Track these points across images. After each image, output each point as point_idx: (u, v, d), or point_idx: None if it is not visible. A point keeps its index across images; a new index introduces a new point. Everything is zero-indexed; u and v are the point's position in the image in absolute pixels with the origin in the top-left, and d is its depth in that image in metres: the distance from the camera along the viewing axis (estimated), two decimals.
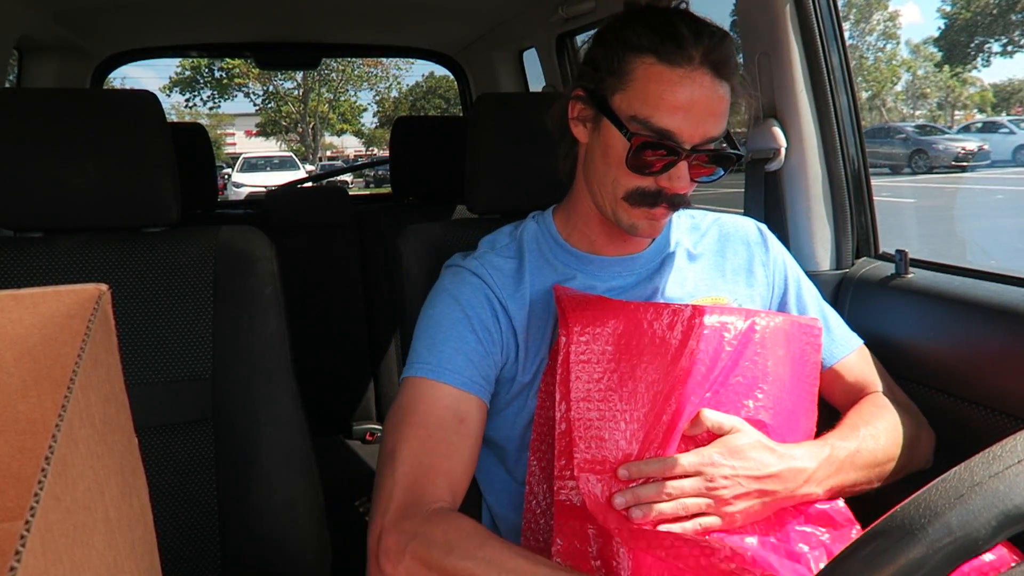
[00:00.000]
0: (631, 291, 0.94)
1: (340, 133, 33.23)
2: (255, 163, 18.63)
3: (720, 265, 0.99)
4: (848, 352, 0.99)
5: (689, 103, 0.80)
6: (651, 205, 0.85)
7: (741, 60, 1.25)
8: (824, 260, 1.25)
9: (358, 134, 34.47)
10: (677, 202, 0.86)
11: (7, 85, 1.78)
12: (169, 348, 1.01)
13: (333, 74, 29.16)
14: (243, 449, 1.00)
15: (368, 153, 33.74)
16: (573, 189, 0.97)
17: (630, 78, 0.83)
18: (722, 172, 0.86)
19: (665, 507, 0.76)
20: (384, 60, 25.25)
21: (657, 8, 0.85)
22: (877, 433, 0.88)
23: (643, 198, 0.85)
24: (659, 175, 0.84)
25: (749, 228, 1.03)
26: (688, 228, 1.02)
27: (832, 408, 0.99)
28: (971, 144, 15.09)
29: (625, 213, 0.87)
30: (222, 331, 1.02)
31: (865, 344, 1.01)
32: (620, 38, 0.84)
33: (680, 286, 0.95)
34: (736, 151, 0.87)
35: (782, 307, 1.01)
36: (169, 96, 28.21)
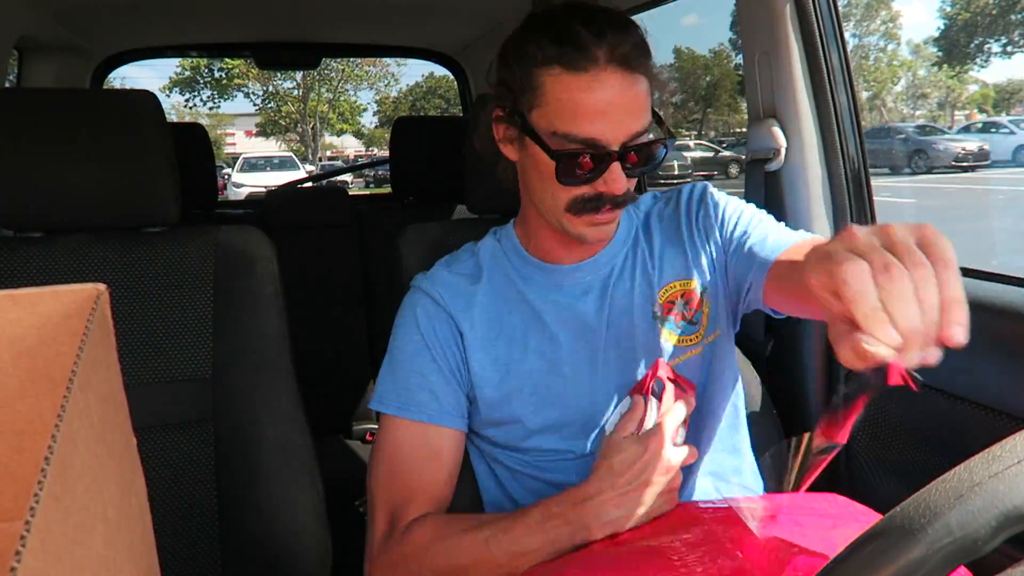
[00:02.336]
0: (599, 291, 0.93)
1: (340, 133, 33.24)
2: (255, 163, 18.63)
3: (679, 246, 0.95)
4: (792, 243, 0.88)
5: (605, 106, 0.78)
6: (594, 211, 0.84)
7: (741, 60, 1.25)
8: None
9: (358, 134, 34.48)
10: (620, 201, 0.84)
11: (7, 85, 1.78)
12: (169, 348, 1.01)
13: (333, 74, 29.17)
14: (243, 449, 1.00)
15: (368, 153, 33.73)
16: (521, 205, 0.96)
17: (541, 92, 0.80)
18: (661, 156, 0.84)
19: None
20: (384, 59, 25.25)
21: (553, 12, 0.82)
22: None
23: (585, 205, 0.83)
24: (594, 181, 0.82)
25: (691, 197, 0.98)
26: (642, 216, 0.99)
27: None
28: (971, 144, 15.09)
29: (571, 223, 0.86)
30: (222, 331, 1.02)
31: None
32: (524, 54, 0.81)
33: (645, 277, 0.93)
34: (666, 136, 0.85)
35: (735, 260, 0.93)
36: (169, 96, 28.22)
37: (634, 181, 0.85)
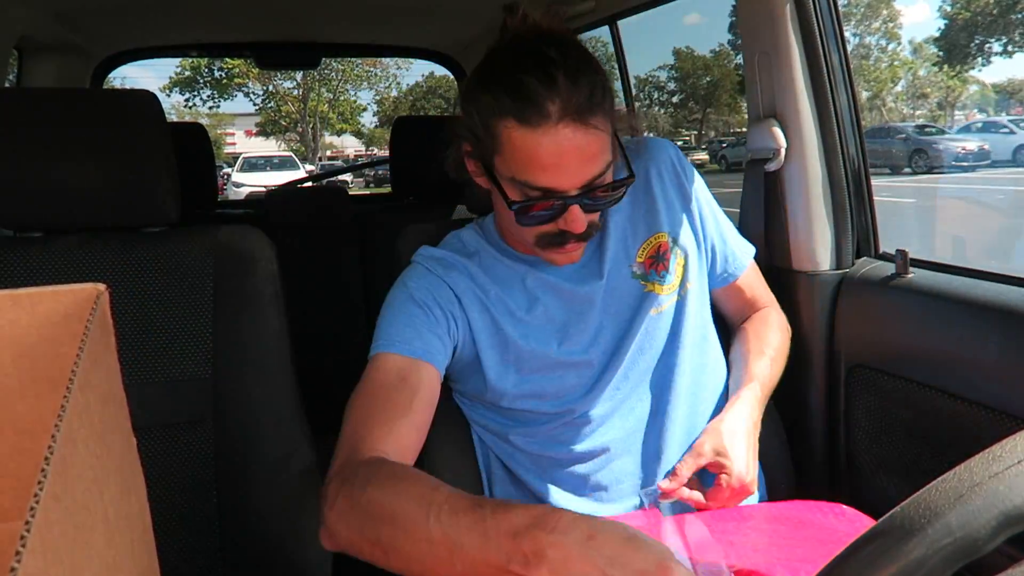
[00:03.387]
0: (587, 266, 0.96)
1: (340, 133, 33.24)
2: (255, 163, 18.63)
3: (649, 200, 0.99)
4: (745, 268, 1.06)
5: (558, 158, 0.80)
6: (560, 245, 0.87)
7: (741, 60, 1.25)
8: (824, 260, 1.25)
9: (358, 134, 34.48)
10: (584, 236, 0.87)
11: (7, 85, 1.78)
12: (169, 348, 1.01)
13: (333, 74, 29.17)
14: (243, 449, 1.00)
15: (368, 153, 33.74)
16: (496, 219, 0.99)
17: (500, 142, 0.82)
18: (622, 195, 0.87)
19: None
20: (384, 59, 25.26)
21: (507, 61, 0.83)
22: (777, 358, 1.03)
23: (551, 241, 0.87)
24: (555, 222, 0.85)
25: (665, 154, 1.01)
26: None
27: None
28: (971, 144, 15.09)
29: (541, 253, 0.90)
30: (222, 331, 1.02)
31: (865, 344, 1.02)
32: (482, 103, 0.83)
33: (623, 241, 0.97)
34: (625, 176, 0.87)
35: (708, 247, 1.03)
36: (169, 96, 28.21)
37: (597, 214, 0.88)
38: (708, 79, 30.09)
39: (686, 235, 0.99)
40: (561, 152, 0.79)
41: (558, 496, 0.93)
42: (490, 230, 1.00)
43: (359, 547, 0.69)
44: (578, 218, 0.83)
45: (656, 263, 0.96)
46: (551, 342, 0.93)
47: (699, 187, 1.03)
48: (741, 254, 1.06)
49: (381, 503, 0.67)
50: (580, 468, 0.93)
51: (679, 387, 0.95)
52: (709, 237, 1.02)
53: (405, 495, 0.66)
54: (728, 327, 1.10)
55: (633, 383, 0.95)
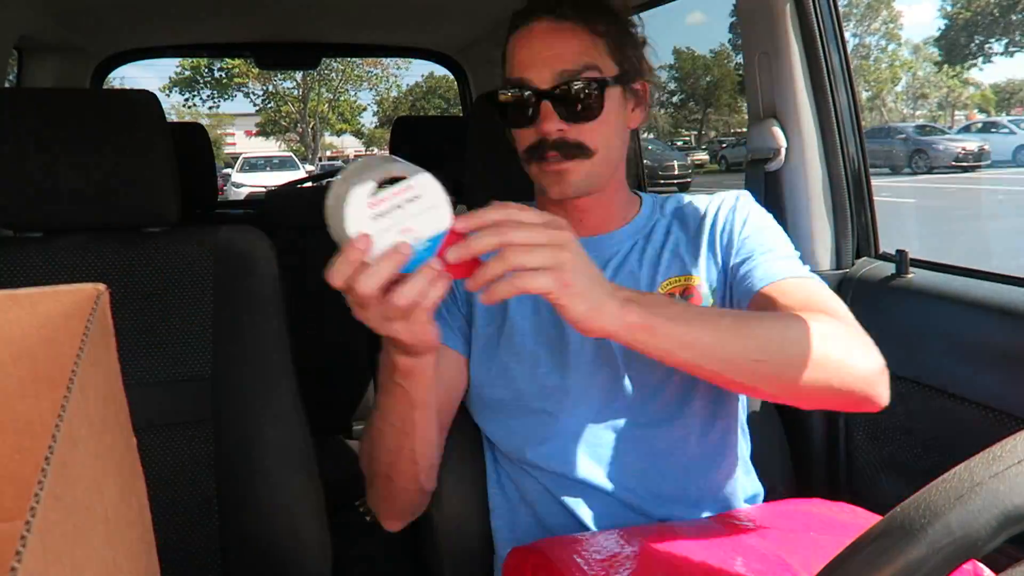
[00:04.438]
0: (613, 277, 0.94)
1: (340, 133, 33.27)
2: (255, 163, 18.61)
3: (695, 245, 0.96)
4: (776, 279, 0.86)
5: (531, 51, 0.87)
6: (541, 158, 0.89)
7: (741, 60, 1.25)
8: (824, 260, 1.25)
9: (358, 134, 34.49)
10: (560, 146, 0.87)
11: (7, 85, 1.78)
12: (169, 348, 1.01)
13: (333, 74, 29.17)
14: (243, 449, 1.00)
15: (368, 153, 33.75)
16: None
17: (504, 61, 0.92)
18: (593, 95, 0.86)
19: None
20: (384, 60, 25.26)
21: None
22: (749, 322, 0.77)
23: (533, 153, 0.89)
24: (534, 125, 0.88)
25: (727, 199, 0.98)
26: (672, 210, 1.00)
27: None
28: (971, 144, 15.10)
29: (534, 176, 0.92)
30: (222, 331, 1.02)
31: None
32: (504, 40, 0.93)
33: (650, 267, 0.95)
34: (599, 77, 0.87)
35: (733, 271, 0.92)
36: (169, 96, 28.24)
37: (586, 128, 0.87)
38: (708, 79, 30.10)
39: (720, 289, 0.94)
40: (532, 44, 0.87)
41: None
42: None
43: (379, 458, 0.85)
44: (549, 115, 0.86)
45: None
46: (549, 342, 0.93)
47: (751, 224, 0.94)
48: (778, 268, 0.88)
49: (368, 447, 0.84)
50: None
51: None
52: (739, 264, 0.92)
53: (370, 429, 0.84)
54: None
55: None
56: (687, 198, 1.02)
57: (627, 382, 0.93)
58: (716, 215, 0.97)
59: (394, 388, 0.76)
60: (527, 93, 0.87)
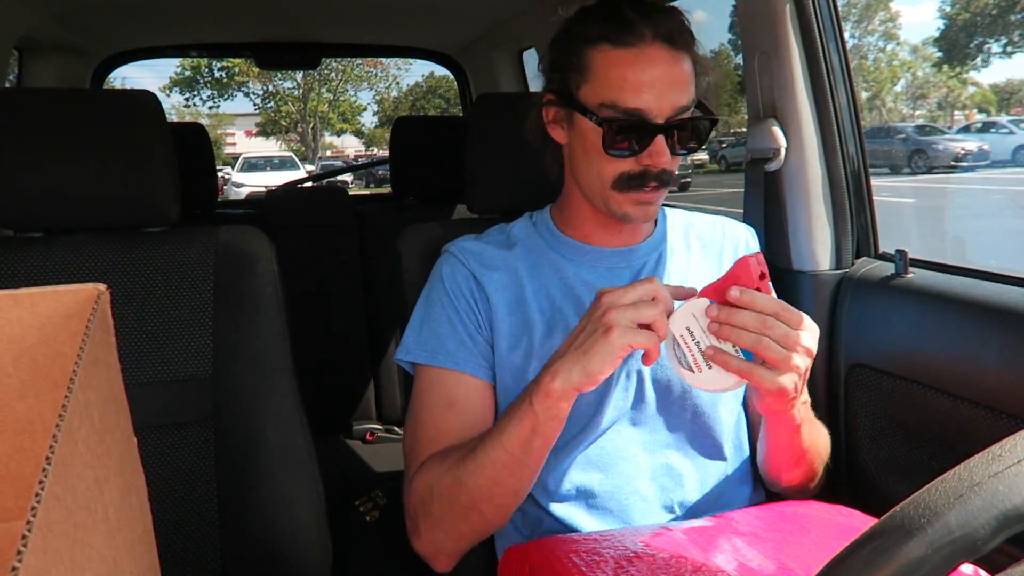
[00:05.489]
0: (629, 280, 0.94)
1: (340, 133, 33.26)
2: (255, 163, 18.61)
3: (713, 266, 0.99)
4: None
5: (650, 79, 0.82)
6: (639, 187, 0.86)
7: (741, 60, 1.25)
8: (824, 260, 1.25)
9: (358, 134, 34.48)
10: (665, 179, 0.86)
11: (7, 85, 1.78)
12: (169, 348, 1.01)
13: (333, 74, 29.17)
14: (243, 449, 1.00)
15: (368, 153, 33.73)
16: (564, 189, 0.99)
17: (590, 69, 0.84)
18: (705, 133, 0.87)
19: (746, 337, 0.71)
20: (384, 60, 25.25)
21: (603, 1, 0.87)
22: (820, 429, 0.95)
23: (630, 182, 0.86)
24: (639, 155, 0.84)
25: (740, 233, 1.04)
26: (683, 227, 1.02)
27: None
28: (970, 144, 15.09)
29: (616, 202, 0.88)
30: (222, 331, 1.02)
31: (865, 344, 1.01)
32: (573, 35, 0.86)
33: (675, 282, 0.94)
34: (711, 116, 0.87)
35: None
36: (169, 96, 28.22)
37: (678, 161, 0.87)
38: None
39: None
40: (652, 74, 0.81)
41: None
42: (544, 220, 0.99)
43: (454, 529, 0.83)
44: (663, 151, 0.83)
45: None
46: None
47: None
48: None
49: (452, 491, 0.80)
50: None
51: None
52: None
53: (459, 470, 0.80)
54: None
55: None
56: (693, 215, 1.06)
57: (647, 401, 0.92)
58: (733, 245, 1.01)
59: (529, 414, 0.75)
60: (642, 123, 0.82)
